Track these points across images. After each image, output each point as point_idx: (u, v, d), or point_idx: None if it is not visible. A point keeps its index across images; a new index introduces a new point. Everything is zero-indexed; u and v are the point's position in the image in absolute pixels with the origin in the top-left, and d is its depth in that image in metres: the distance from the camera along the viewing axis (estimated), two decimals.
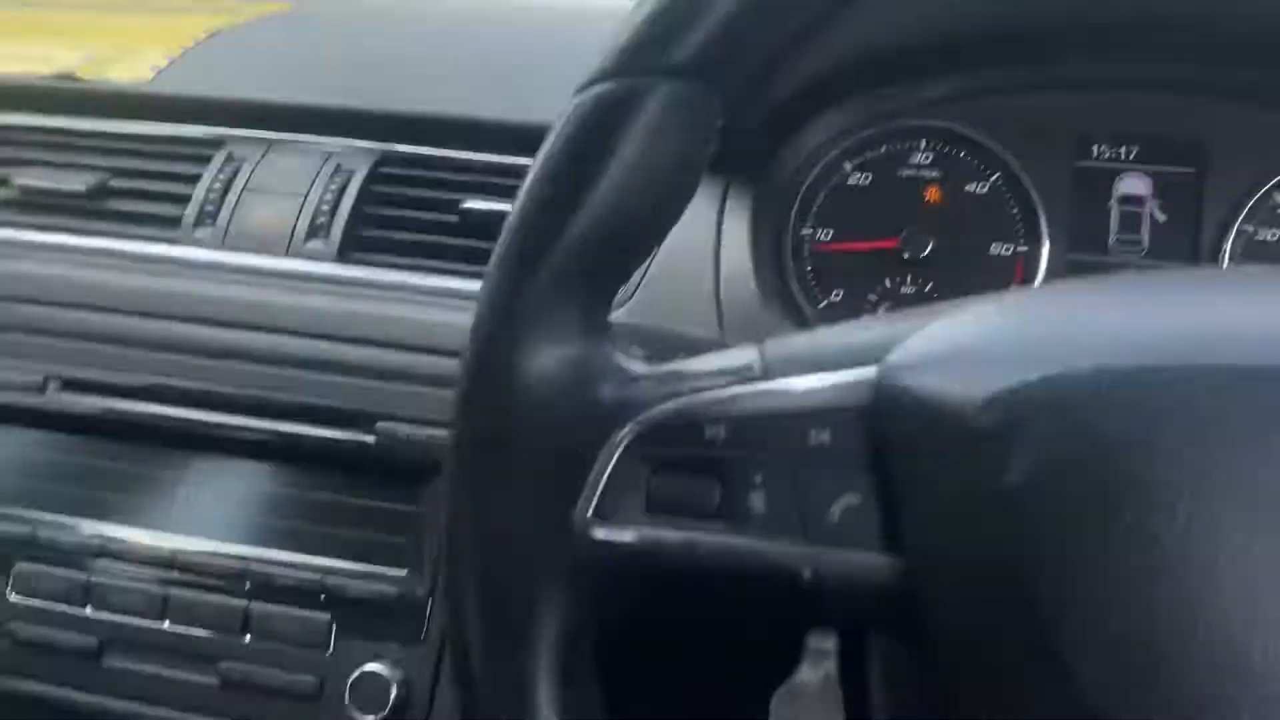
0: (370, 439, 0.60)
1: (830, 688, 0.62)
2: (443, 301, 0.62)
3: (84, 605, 0.62)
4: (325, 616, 0.60)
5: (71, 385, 0.63)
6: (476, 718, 0.35)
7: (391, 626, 0.59)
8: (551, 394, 0.35)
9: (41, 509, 0.63)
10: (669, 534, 0.35)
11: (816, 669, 0.63)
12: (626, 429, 0.35)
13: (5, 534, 0.63)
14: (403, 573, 0.60)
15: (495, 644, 0.35)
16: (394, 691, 0.58)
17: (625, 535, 0.35)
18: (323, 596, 0.60)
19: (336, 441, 0.61)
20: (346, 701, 0.58)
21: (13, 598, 0.62)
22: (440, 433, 0.60)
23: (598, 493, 0.35)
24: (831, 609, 0.35)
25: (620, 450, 0.35)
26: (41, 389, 0.63)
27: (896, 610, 0.34)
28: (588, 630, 0.36)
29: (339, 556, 0.61)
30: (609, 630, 0.36)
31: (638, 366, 0.36)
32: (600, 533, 0.35)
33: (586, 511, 0.35)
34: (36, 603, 0.62)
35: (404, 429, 0.60)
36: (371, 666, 0.58)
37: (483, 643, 0.35)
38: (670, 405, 0.35)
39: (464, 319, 0.63)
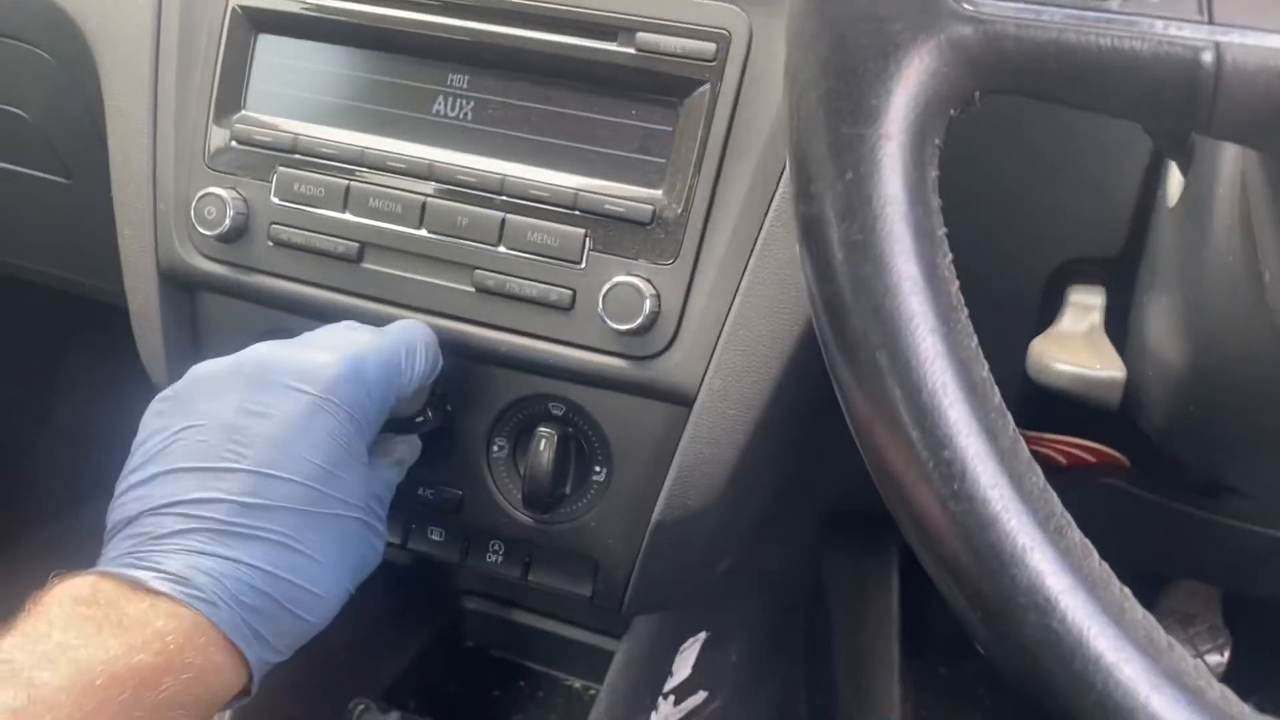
0: (631, 50, 0.58)
1: (1097, 335, 0.60)
2: None
3: (343, 210, 0.63)
4: (579, 231, 0.60)
5: None
6: (811, 188, 0.33)
7: (645, 244, 0.59)
8: None
9: (302, 117, 0.64)
10: (1050, 11, 0.32)
11: (1080, 320, 0.61)
12: None
13: (267, 140, 0.64)
14: (658, 193, 0.59)
15: (842, 122, 0.33)
16: (647, 304, 0.58)
17: (1000, 10, 0.32)
18: (577, 212, 0.60)
19: (596, 53, 0.59)
20: (600, 310, 0.59)
21: (274, 201, 0.64)
22: (705, 44, 0.58)
23: None
24: (1228, 104, 0.31)
25: None
26: None
27: None
28: (940, 111, 0.33)
29: (594, 175, 0.60)
30: (959, 109, 0.34)
31: None
32: (971, 7, 0.32)
33: None
34: (298, 206, 0.64)
35: (666, 40, 0.58)
36: (624, 278, 0.58)
37: (827, 119, 0.33)
38: None
39: None
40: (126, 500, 0.51)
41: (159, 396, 0.54)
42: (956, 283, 0.34)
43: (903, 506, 0.34)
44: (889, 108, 0.32)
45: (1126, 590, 0.33)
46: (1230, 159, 0.44)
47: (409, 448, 0.61)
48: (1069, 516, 0.34)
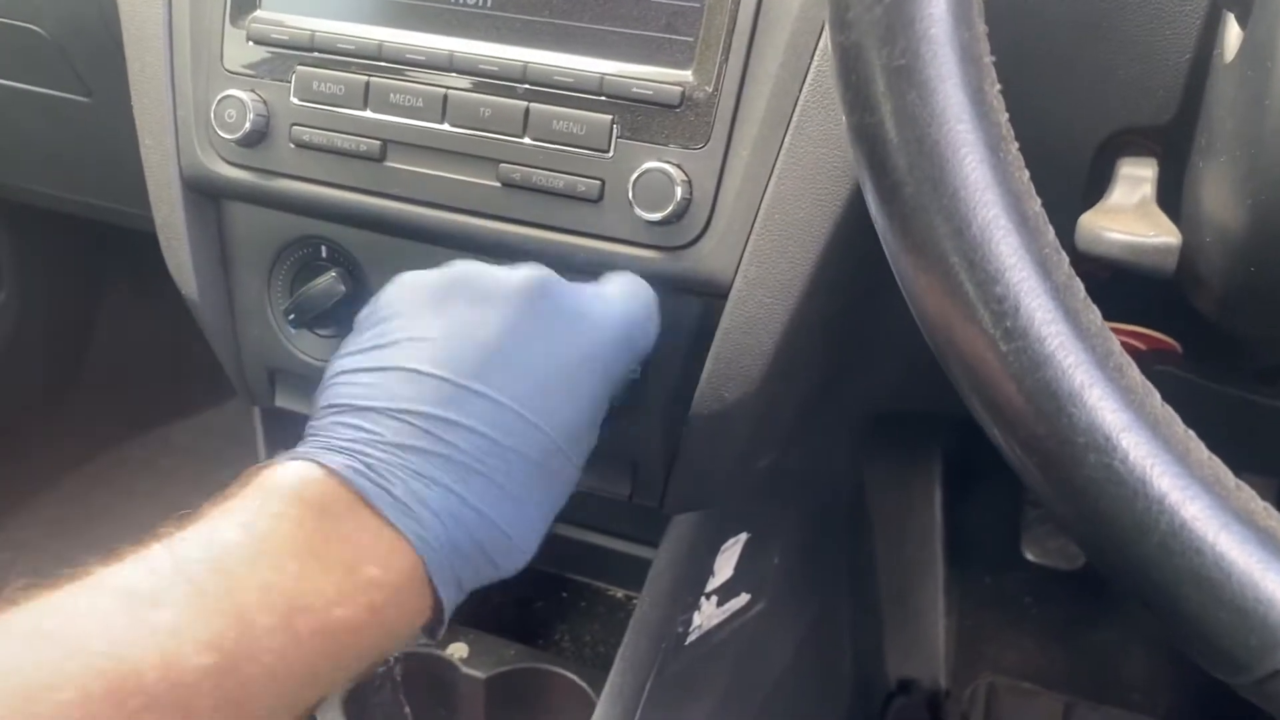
0: None
1: (1149, 206, 0.57)
2: None
3: (364, 108, 0.62)
4: (606, 117, 0.58)
5: None
6: (848, 14, 0.31)
7: (674, 128, 0.57)
8: None
9: (319, 14, 0.63)
10: None
11: (1131, 193, 0.59)
12: None
13: (284, 39, 0.63)
14: (686, 73, 0.57)
15: None
16: (678, 191, 0.56)
17: None
18: (603, 97, 0.58)
19: None
20: (630, 199, 0.57)
21: (294, 101, 0.63)
22: None
23: None
24: None
25: None
26: None
27: None
28: None
29: (620, 58, 0.58)
30: None
31: None
32: None
33: None
34: (318, 106, 0.62)
35: None
36: (654, 164, 0.56)
37: None
38: None
39: None
40: (340, 381, 0.49)
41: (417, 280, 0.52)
42: (1006, 114, 0.32)
43: (951, 349, 0.32)
44: None
45: (1191, 432, 0.31)
46: None
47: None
48: (1129, 358, 0.32)
